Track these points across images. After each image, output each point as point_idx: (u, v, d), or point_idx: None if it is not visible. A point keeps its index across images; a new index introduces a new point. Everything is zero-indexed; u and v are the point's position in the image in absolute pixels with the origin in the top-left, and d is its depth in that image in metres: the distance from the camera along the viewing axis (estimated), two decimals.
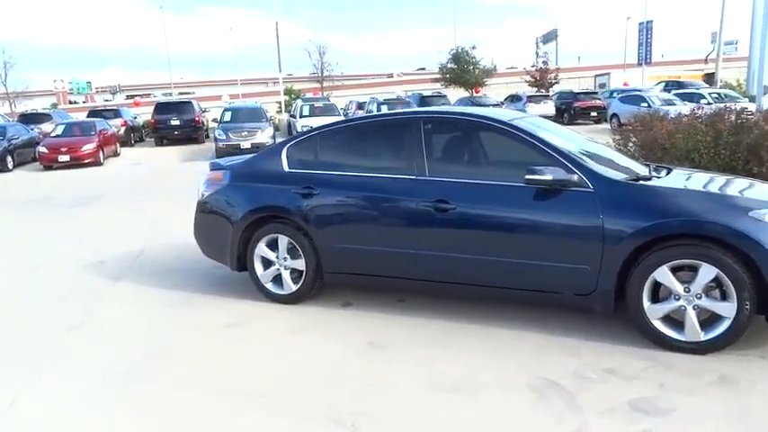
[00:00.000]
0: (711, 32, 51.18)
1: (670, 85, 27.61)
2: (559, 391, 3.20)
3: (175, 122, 22.65)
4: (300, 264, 4.68)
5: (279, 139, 20.17)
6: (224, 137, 17.97)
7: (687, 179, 4.16)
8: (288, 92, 32.42)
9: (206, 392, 3.39)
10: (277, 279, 4.82)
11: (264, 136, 18.14)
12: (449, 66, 36.66)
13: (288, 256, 4.73)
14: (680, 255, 3.54)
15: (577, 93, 26.16)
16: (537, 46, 55.73)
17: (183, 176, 14.61)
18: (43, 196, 12.40)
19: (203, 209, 5.14)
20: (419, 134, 4.32)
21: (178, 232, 7.85)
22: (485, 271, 4.06)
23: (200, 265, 5.97)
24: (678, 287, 3.56)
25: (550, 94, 28.18)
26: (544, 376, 3.38)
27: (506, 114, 4.74)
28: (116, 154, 20.42)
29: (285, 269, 4.76)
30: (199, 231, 5.26)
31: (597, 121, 25.69)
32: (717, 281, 3.47)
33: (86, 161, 17.75)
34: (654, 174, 4.19)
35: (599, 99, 25.97)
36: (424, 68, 67.75)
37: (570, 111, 25.65)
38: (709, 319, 3.56)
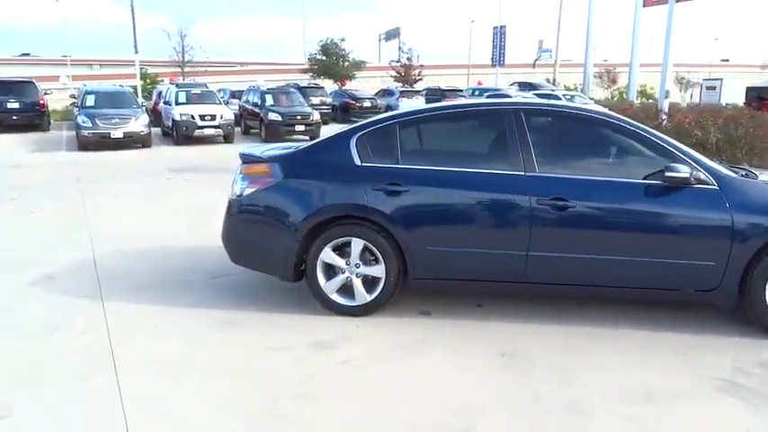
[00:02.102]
0: (538, 40, 56.71)
1: (523, 86, 29.88)
2: (751, 392, 3.15)
3: (14, 105, 19.33)
4: (378, 270, 4.12)
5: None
6: (89, 124, 15.67)
7: None
8: (143, 76, 29.37)
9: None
10: (344, 288, 4.21)
11: (139, 124, 16.16)
12: (317, 57, 35.94)
13: (360, 263, 4.15)
14: None
15: (445, 90, 27.20)
16: (379, 43, 57.16)
17: (48, 170, 12.44)
18: None
19: (244, 209, 4.31)
20: (522, 127, 4.01)
21: (116, 236, 6.66)
22: (602, 271, 3.90)
23: (181, 277, 5.11)
24: None
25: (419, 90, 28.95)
26: (716, 377, 3.31)
27: (605, 110, 4.61)
28: None
29: (357, 277, 4.17)
30: (235, 237, 4.41)
31: None
32: None
33: None
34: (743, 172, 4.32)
35: (464, 96, 27.25)
36: (28, 53, 63.06)
37: None
38: None
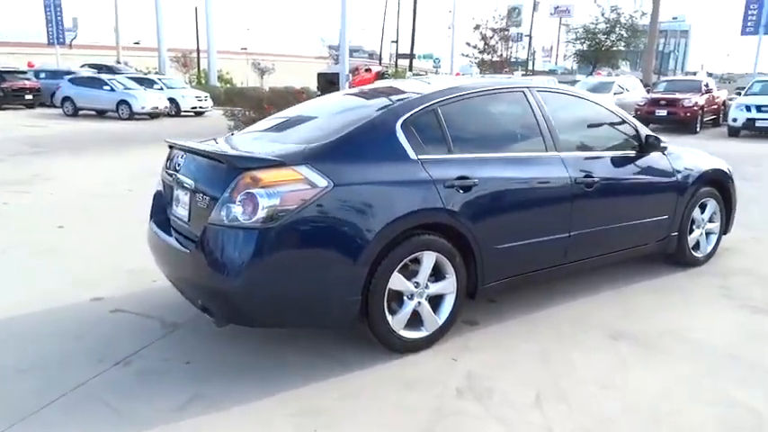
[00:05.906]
0: (72, 18, 50.66)
1: (98, 68, 26.35)
2: None
3: None
4: (447, 285, 3.35)
5: None
6: None
7: None
8: None
9: None
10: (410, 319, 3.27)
11: None
12: None
13: (428, 282, 3.29)
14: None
15: (3, 71, 21.62)
16: None
17: None
18: None
19: (282, 240, 2.79)
20: (543, 107, 3.85)
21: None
22: (616, 237, 4.18)
23: (99, 372, 3.17)
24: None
25: None
26: None
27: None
28: None
29: (425, 299, 3.29)
30: (269, 286, 2.81)
31: (31, 105, 22.27)
32: None
33: None
34: None
35: (29, 80, 22.43)
36: None
37: None
38: None
